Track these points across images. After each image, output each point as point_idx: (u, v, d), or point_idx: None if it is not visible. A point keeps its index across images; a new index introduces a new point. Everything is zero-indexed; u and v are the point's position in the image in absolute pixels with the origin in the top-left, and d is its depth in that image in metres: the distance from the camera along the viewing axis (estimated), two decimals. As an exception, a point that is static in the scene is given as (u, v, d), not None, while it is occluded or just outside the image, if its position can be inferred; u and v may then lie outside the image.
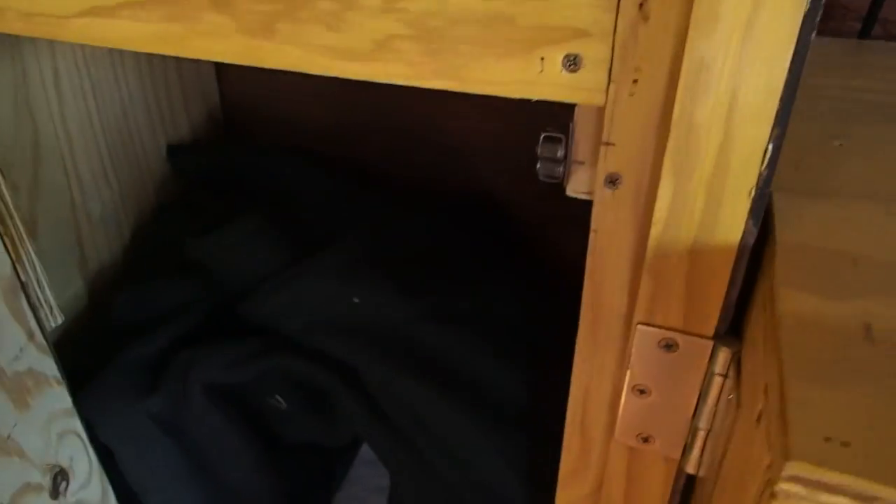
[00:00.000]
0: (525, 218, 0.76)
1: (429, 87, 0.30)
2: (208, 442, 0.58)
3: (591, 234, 0.32)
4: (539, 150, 0.31)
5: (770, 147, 0.25)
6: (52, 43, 0.61)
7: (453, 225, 0.65)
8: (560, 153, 0.30)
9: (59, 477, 0.56)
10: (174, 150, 0.75)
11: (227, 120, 0.85)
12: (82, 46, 0.65)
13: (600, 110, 0.28)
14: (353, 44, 0.30)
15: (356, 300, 0.56)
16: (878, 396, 0.20)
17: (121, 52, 0.70)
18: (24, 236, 0.50)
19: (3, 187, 0.48)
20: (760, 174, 0.26)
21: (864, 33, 0.51)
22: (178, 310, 0.59)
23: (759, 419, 0.23)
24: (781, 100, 0.24)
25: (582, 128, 0.30)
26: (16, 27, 0.37)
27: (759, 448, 0.21)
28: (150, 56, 0.73)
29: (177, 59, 0.77)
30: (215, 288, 0.60)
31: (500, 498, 0.57)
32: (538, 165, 0.31)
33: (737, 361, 0.30)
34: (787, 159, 0.31)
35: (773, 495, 0.18)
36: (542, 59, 0.27)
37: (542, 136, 0.30)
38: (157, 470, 0.56)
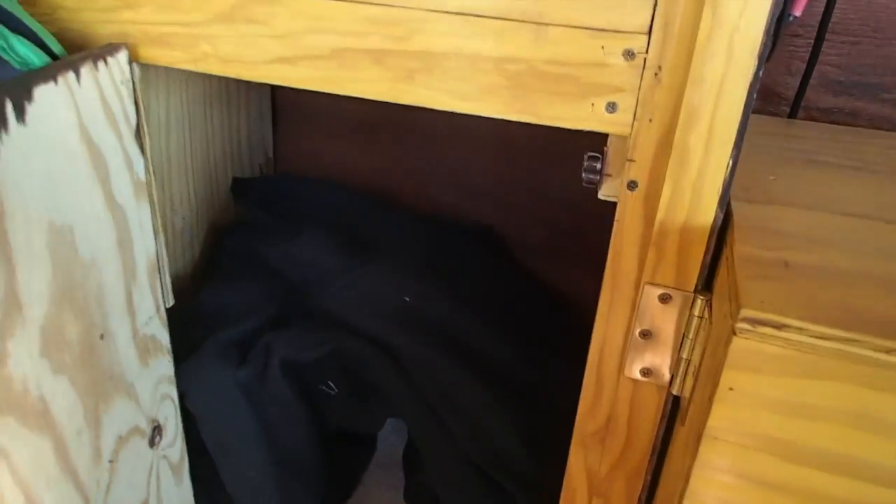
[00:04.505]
0: (525, 248, 0.93)
1: (515, 119, 0.47)
2: (277, 411, 0.71)
3: (616, 224, 0.48)
4: (584, 165, 0.47)
5: (731, 162, 0.42)
6: (167, 83, 0.77)
7: (469, 241, 0.82)
8: (598, 167, 0.47)
9: (156, 431, 0.67)
10: (239, 182, 0.90)
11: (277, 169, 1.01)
12: (186, 88, 0.81)
13: (626, 139, 0.45)
14: (467, 89, 0.47)
15: (407, 299, 0.71)
16: (790, 285, 0.36)
17: (211, 97, 0.86)
18: (160, 229, 0.64)
19: (154, 186, 0.63)
20: (725, 178, 0.43)
21: (792, 115, 0.70)
22: (257, 304, 0.73)
23: (723, 317, 0.38)
24: (738, 131, 0.41)
25: (613, 150, 0.46)
26: (214, 68, 0.53)
27: (723, 327, 0.37)
28: (227, 104, 0.90)
29: (247, 115, 0.93)
30: (287, 287, 0.75)
31: (509, 459, 0.71)
32: (582, 175, 0.47)
33: (709, 305, 0.46)
34: (739, 185, 0.49)
35: (733, 331, 0.34)
36: (593, 104, 0.44)
37: (586, 156, 0.47)
38: (235, 430, 0.69)
